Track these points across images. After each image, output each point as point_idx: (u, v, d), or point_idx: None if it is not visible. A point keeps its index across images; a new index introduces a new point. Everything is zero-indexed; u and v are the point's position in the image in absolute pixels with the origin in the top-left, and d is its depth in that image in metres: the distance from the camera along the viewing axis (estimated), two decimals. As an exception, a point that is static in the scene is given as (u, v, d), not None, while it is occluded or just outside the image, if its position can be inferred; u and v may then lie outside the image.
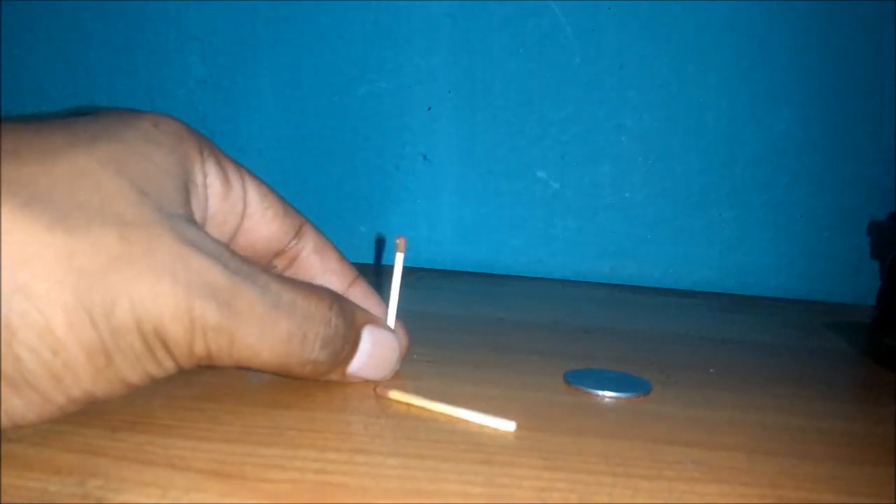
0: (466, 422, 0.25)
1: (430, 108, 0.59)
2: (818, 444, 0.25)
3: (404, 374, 0.30)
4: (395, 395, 0.27)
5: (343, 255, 0.31)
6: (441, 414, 0.26)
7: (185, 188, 0.22)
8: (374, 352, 0.27)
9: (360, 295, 0.30)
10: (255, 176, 0.27)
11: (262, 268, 0.23)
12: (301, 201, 0.61)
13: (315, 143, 0.60)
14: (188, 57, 0.60)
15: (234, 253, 0.22)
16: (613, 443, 0.24)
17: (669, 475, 0.22)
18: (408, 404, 0.26)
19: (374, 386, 0.28)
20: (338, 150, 0.60)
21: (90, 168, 0.20)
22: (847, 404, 0.30)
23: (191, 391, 0.26)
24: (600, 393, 0.29)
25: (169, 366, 0.21)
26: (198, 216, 0.23)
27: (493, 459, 0.22)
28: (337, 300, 0.25)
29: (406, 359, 0.32)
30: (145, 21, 0.60)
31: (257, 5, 0.59)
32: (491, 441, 0.24)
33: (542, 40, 0.57)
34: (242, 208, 0.26)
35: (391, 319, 0.30)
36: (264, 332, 0.22)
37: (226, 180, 0.25)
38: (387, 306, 0.30)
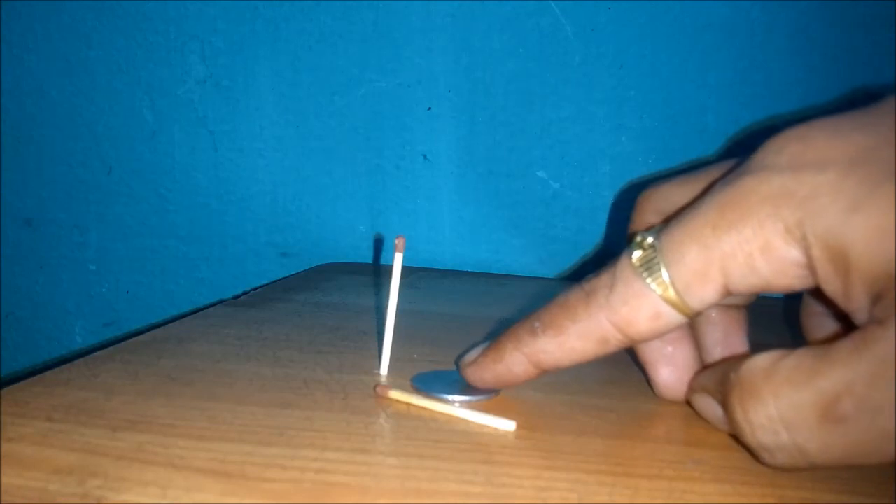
0: (466, 422, 0.25)
1: (430, 108, 0.59)
2: (818, 444, 0.25)
3: (405, 373, 0.30)
4: (395, 394, 0.27)
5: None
6: (441, 414, 0.26)
7: None
8: None
9: None
10: None
11: None
12: (301, 201, 0.61)
13: (315, 143, 0.60)
14: (188, 57, 0.60)
15: None
16: (613, 442, 0.24)
17: (669, 475, 0.22)
18: (408, 404, 0.26)
19: (374, 385, 0.28)
20: (338, 150, 0.60)
21: None
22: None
23: (191, 391, 0.26)
24: (450, 398, 0.27)
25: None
26: None
27: (493, 459, 0.22)
28: None
29: (406, 359, 0.32)
30: (145, 21, 0.60)
31: (257, 5, 0.59)
32: (491, 441, 0.24)
33: (542, 40, 0.57)
34: None
35: (391, 320, 0.30)
36: None
37: None
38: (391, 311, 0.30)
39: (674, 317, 0.23)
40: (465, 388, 0.28)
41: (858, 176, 0.20)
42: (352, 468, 0.21)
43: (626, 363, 0.33)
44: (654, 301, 0.22)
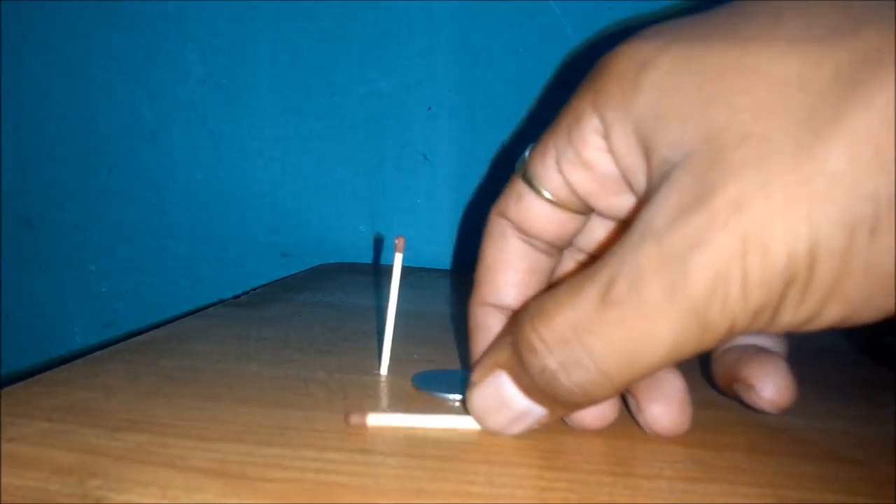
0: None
1: (430, 108, 0.59)
2: (818, 444, 0.25)
3: (405, 373, 0.30)
4: (373, 420, 0.24)
5: None
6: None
7: None
8: None
9: None
10: None
11: None
12: (301, 201, 0.61)
13: (315, 143, 0.60)
14: (188, 57, 0.60)
15: None
16: (614, 442, 0.24)
17: (669, 475, 0.22)
18: (393, 427, 0.24)
19: (346, 413, 0.24)
20: (338, 150, 0.60)
21: None
22: (847, 404, 0.30)
23: (191, 391, 0.26)
24: (450, 397, 0.27)
25: None
26: None
27: (493, 459, 0.22)
28: None
29: (406, 359, 0.32)
30: (145, 21, 0.60)
31: (257, 5, 0.59)
32: (491, 441, 0.24)
33: (542, 40, 0.57)
34: None
35: (391, 320, 0.30)
36: None
37: None
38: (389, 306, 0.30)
39: (533, 199, 0.25)
40: (466, 387, 0.28)
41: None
42: (352, 468, 0.21)
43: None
44: (517, 184, 0.26)
